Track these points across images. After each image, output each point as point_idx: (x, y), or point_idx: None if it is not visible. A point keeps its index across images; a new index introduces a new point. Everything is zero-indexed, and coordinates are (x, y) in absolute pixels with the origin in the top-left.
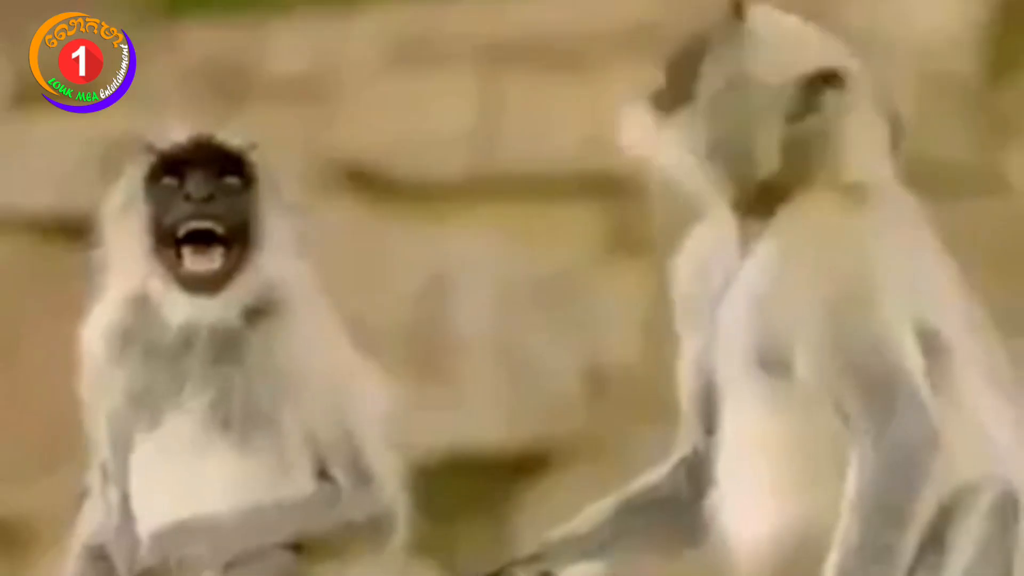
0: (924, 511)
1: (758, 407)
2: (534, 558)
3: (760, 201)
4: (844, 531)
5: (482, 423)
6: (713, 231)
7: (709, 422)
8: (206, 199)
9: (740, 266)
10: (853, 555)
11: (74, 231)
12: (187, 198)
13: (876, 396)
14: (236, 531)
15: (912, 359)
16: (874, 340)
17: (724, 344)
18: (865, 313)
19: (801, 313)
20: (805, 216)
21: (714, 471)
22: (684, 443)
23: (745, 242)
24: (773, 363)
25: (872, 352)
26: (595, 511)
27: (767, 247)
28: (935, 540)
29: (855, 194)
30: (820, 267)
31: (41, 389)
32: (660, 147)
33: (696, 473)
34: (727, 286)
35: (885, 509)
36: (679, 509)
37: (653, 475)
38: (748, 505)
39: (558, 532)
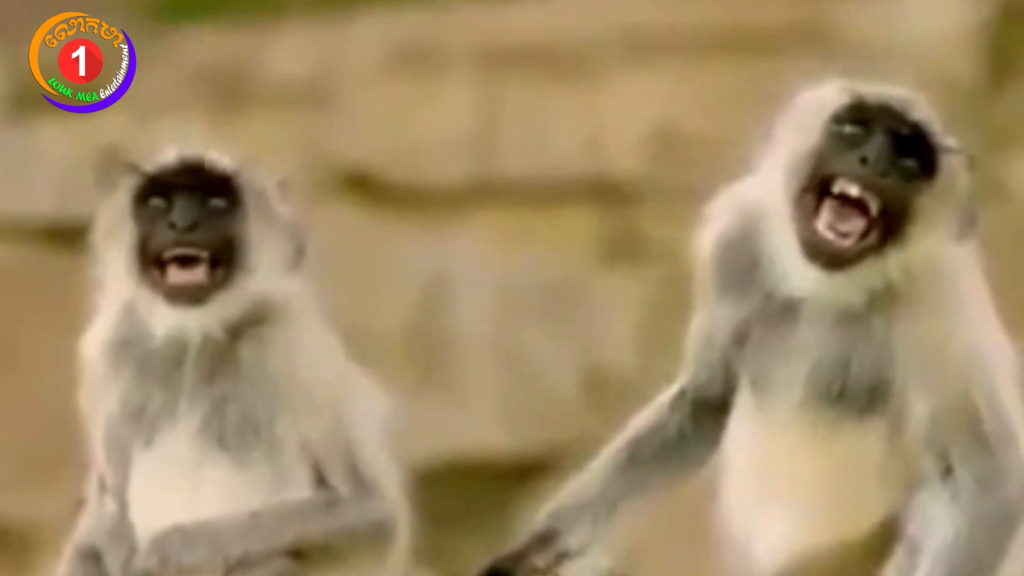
0: (1003, 567)
1: (805, 433)
2: (547, 537)
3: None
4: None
5: (482, 427)
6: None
7: (712, 375)
8: (190, 227)
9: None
10: None
11: (74, 236)
12: (172, 226)
13: (986, 449)
14: (234, 536)
15: (1020, 421)
16: (994, 397)
17: (786, 368)
18: (989, 372)
19: (924, 360)
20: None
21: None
22: (682, 378)
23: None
24: (862, 398)
25: (990, 407)
26: (600, 467)
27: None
28: None
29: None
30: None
31: (42, 394)
32: None
33: (699, 407)
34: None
35: (976, 559)
36: (685, 445)
37: (651, 416)
38: (777, 525)
39: (565, 499)
